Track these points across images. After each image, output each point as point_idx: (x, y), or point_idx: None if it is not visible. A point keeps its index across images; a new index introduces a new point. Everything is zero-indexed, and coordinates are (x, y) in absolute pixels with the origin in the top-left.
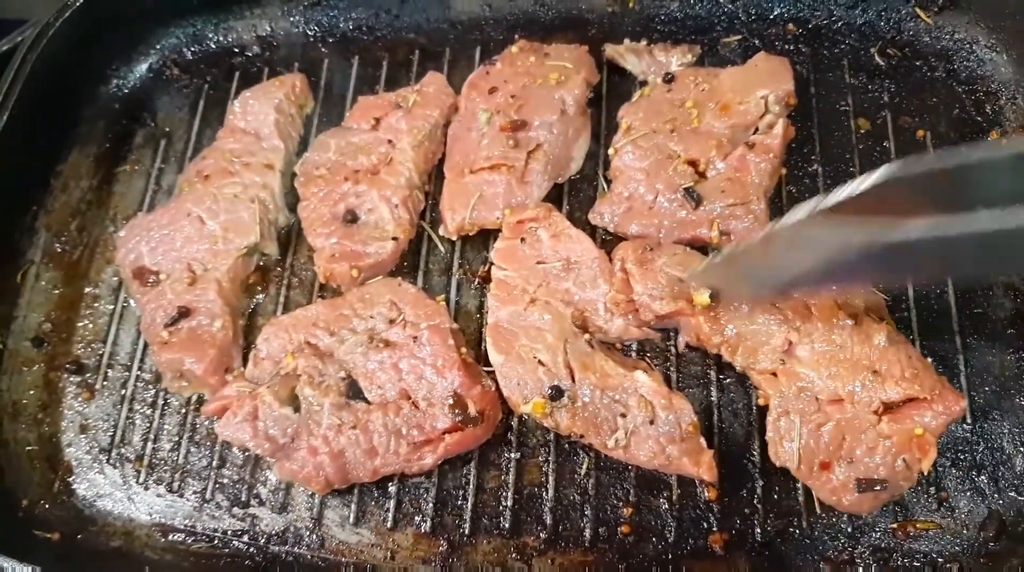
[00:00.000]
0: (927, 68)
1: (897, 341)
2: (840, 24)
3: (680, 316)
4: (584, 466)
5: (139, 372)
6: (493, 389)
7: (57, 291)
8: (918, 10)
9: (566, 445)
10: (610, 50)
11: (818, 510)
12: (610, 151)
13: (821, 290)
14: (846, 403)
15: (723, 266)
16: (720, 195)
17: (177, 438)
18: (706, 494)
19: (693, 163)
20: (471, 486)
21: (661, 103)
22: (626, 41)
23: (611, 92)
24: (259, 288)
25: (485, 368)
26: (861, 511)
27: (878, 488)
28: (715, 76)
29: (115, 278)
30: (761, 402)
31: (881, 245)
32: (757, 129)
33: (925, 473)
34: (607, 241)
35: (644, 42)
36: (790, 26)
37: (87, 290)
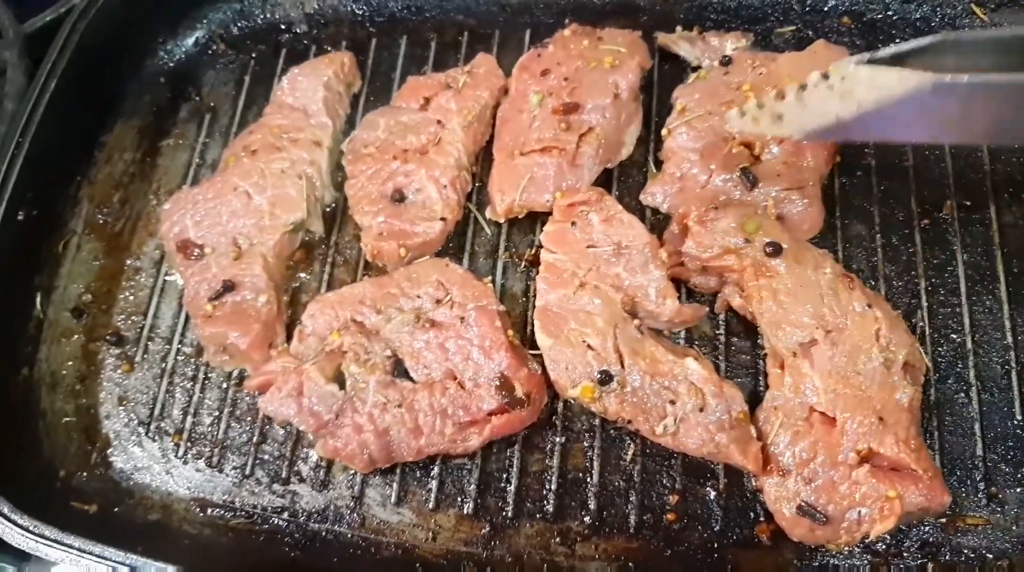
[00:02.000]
0: None
1: (915, 411)
2: (895, 18)
3: (726, 270)
4: (630, 452)
5: (180, 345)
6: (540, 372)
7: (98, 262)
8: (974, 7)
9: (611, 431)
10: (662, 38)
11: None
12: (663, 132)
13: (861, 134)
14: (836, 429)
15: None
16: (776, 179)
17: (217, 413)
18: (754, 483)
19: (748, 146)
20: (515, 469)
21: (717, 85)
22: (678, 29)
23: (662, 79)
24: (304, 270)
25: (531, 351)
26: (791, 533)
27: (817, 519)
28: (772, 60)
29: (157, 251)
30: None
31: (936, 84)
32: None
33: (871, 537)
34: (657, 227)
35: (696, 30)
36: (845, 19)
37: (128, 262)
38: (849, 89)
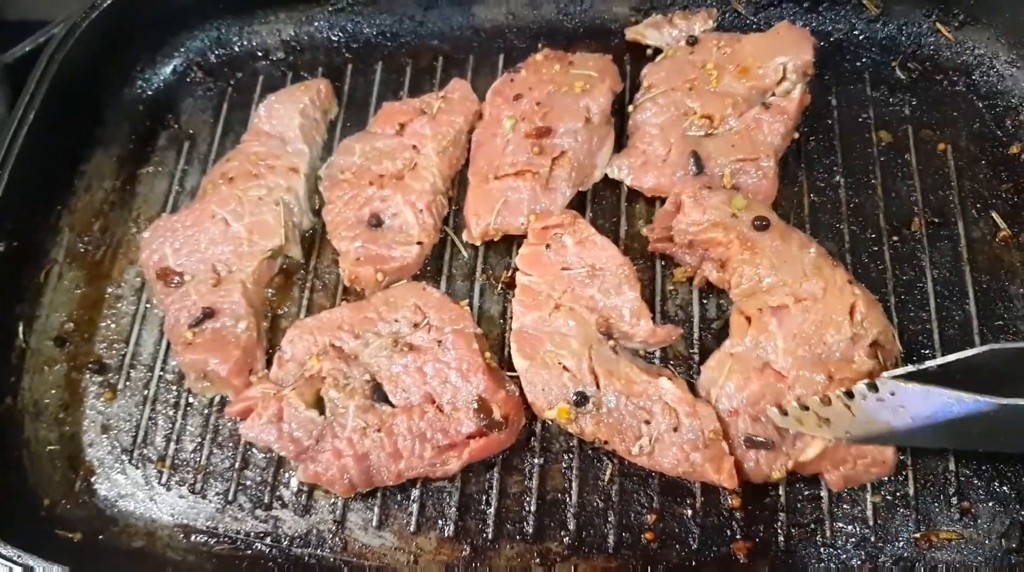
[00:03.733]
0: (948, 82)
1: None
2: (862, 37)
3: (712, 245)
4: (608, 472)
5: (161, 372)
6: (517, 394)
7: (79, 291)
8: (939, 25)
9: (589, 451)
10: (631, 32)
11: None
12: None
13: (911, 441)
14: (786, 382)
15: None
16: (730, 150)
17: (200, 439)
18: (730, 502)
19: (708, 118)
20: (494, 491)
21: (683, 63)
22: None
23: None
24: (283, 296)
25: (508, 373)
26: (743, 467)
27: (763, 445)
28: (737, 41)
29: (138, 279)
30: None
31: (1000, 405)
32: (774, 94)
33: (801, 461)
34: (630, 249)
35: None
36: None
37: (109, 290)
38: (901, 404)
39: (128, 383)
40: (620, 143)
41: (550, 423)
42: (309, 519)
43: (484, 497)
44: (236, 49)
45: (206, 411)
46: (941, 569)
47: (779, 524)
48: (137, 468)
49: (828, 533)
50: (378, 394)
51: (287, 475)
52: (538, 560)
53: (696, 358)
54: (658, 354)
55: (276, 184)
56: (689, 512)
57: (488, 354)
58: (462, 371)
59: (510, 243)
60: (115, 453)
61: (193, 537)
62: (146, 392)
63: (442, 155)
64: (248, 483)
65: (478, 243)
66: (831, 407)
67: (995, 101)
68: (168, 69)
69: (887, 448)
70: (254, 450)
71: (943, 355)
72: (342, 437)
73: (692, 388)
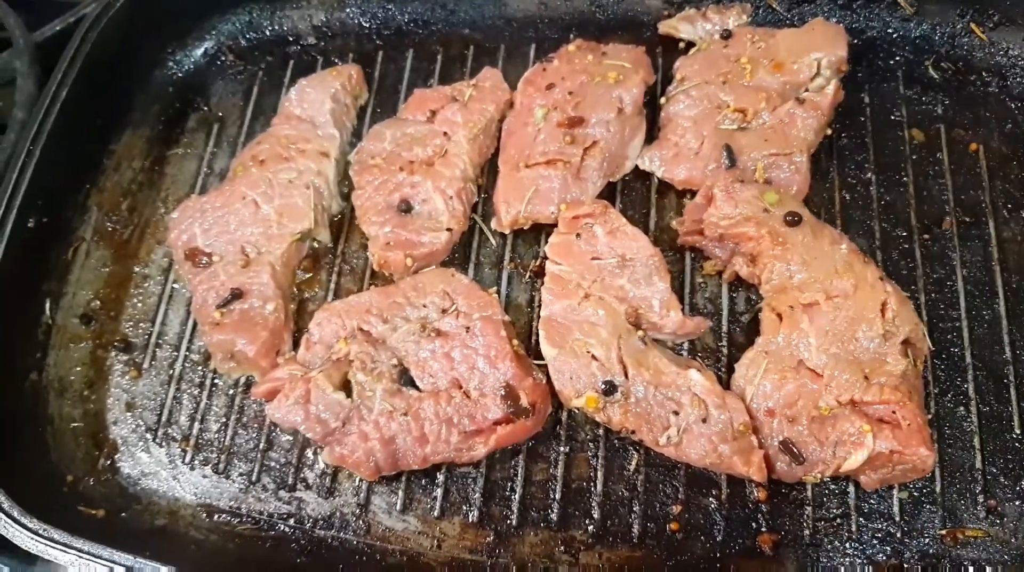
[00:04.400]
0: (980, 83)
1: (910, 380)
2: (896, 36)
3: (743, 239)
4: (633, 462)
5: (187, 352)
6: (544, 382)
7: (107, 269)
8: (973, 26)
9: (615, 441)
10: (664, 25)
11: (866, 509)
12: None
13: None
14: (821, 381)
15: None
16: (763, 144)
17: (224, 419)
18: (756, 494)
19: (742, 111)
20: (519, 478)
21: (717, 57)
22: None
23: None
24: (310, 279)
25: (536, 361)
26: (772, 468)
27: (796, 456)
28: (771, 35)
29: (165, 259)
30: None
31: None
32: (808, 89)
33: (843, 471)
34: (660, 241)
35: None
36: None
37: (136, 270)
38: None
39: (153, 362)
40: (651, 136)
41: (576, 412)
42: (333, 501)
43: (509, 484)
44: (267, 33)
45: (231, 392)
46: (967, 566)
47: (805, 517)
48: (161, 447)
49: (854, 528)
50: (405, 379)
51: (311, 457)
52: (562, 548)
53: (724, 351)
54: (686, 346)
55: (306, 167)
56: (714, 504)
57: (516, 342)
58: (490, 357)
59: (538, 232)
60: (139, 431)
61: (216, 517)
62: (171, 371)
63: (473, 143)
64: (272, 464)
65: (507, 231)
66: None
67: None
68: (199, 52)
69: (927, 454)
70: (278, 431)
71: (972, 354)
72: (369, 420)
73: (720, 381)
